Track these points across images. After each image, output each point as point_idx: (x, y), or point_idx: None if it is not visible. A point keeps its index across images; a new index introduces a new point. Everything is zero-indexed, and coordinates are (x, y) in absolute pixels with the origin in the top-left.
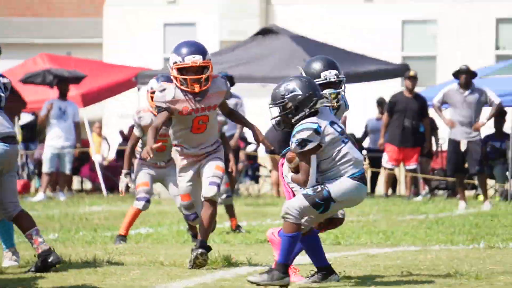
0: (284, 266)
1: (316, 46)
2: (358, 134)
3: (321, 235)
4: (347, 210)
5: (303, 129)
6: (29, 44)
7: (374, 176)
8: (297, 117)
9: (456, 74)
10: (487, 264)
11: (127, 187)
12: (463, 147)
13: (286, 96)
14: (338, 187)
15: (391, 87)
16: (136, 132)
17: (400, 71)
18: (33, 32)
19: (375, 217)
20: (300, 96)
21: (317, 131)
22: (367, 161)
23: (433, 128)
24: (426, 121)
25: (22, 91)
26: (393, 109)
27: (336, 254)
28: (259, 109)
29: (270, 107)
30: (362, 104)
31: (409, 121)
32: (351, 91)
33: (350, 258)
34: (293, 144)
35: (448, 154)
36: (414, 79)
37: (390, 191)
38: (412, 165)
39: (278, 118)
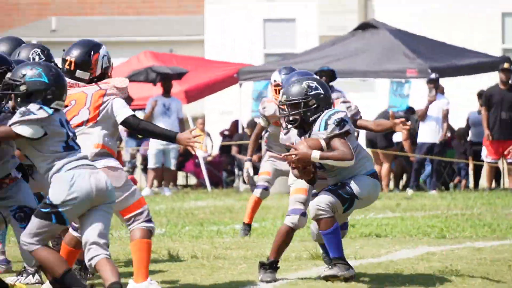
0: (342, 259)
1: (414, 40)
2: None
3: (425, 228)
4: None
5: (336, 112)
6: (132, 42)
7: (478, 170)
8: (315, 116)
9: None
10: None
11: (249, 177)
12: None
13: (309, 93)
14: (358, 184)
15: (492, 79)
16: (261, 122)
17: (501, 63)
18: (135, 30)
19: (479, 210)
20: (322, 95)
21: (347, 116)
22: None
23: None
24: None
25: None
26: (489, 102)
27: (442, 248)
28: (358, 103)
29: (289, 102)
30: (463, 97)
31: (506, 113)
32: (451, 84)
33: (456, 251)
34: (330, 126)
35: None
36: (508, 71)
37: (493, 184)
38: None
39: (295, 116)
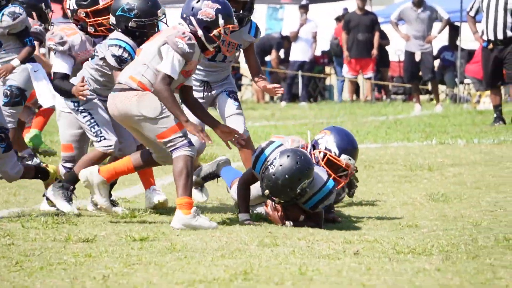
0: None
1: None
2: (318, 51)
3: (295, 134)
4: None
5: None
6: None
7: (340, 84)
8: None
9: None
10: (438, 157)
11: None
12: (417, 57)
13: None
14: None
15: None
16: None
17: None
18: None
19: (342, 119)
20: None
21: None
22: (332, 70)
23: (383, 38)
24: (376, 34)
25: None
26: (348, 26)
27: None
28: None
29: None
30: (329, 22)
31: (362, 35)
32: (318, 9)
33: None
34: None
35: (405, 64)
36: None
37: (354, 97)
38: (369, 74)
39: None
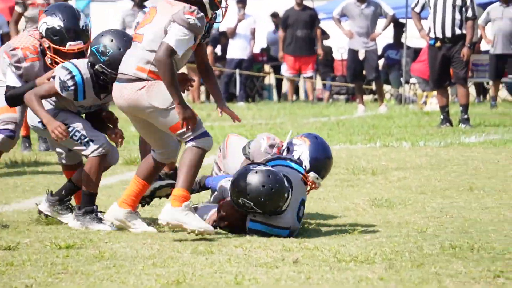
0: None
1: None
2: (257, 48)
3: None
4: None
5: None
6: None
7: (279, 83)
8: None
9: None
10: (382, 161)
11: None
12: (361, 56)
13: None
14: None
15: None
16: (18, 9)
17: None
18: None
19: (282, 120)
20: None
21: None
22: (271, 69)
23: (322, 34)
24: (316, 31)
25: None
26: (286, 22)
27: None
28: None
29: None
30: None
31: (301, 31)
32: (255, 5)
33: None
34: None
35: (348, 62)
36: None
37: (294, 97)
38: (309, 73)
39: None
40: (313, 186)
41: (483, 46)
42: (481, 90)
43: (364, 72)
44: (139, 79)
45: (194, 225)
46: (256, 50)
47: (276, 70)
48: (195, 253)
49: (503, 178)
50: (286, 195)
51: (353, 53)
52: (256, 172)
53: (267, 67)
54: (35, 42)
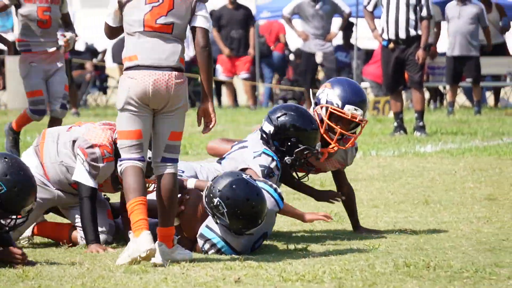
0: None
1: None
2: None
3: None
4: None
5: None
6: None
7: (219, 88)
8: None
9: None
10: (328, 173)
11: None
12: (318, 59)
13: None
14: None
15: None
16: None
17: None
18: None
19: (223, 127)
20: None
21: None
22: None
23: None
24: (251, 31)
25: None
26: (219, 22)
27: None
28: None
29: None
30: None
31: (235, 31)
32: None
33: None
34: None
35: (303, 65)
36: None
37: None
38: (245, 74)
39: None
40: (355, 119)
41: (440, 47)
42: (438, 95)
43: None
44: (182, 71)
45: (187, 259)
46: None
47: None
48: (128, 272)
49: (460, 191)
50: (259, 221)
51: (309, 56)
52: (247, 183)
53: None
54: (110, 139)
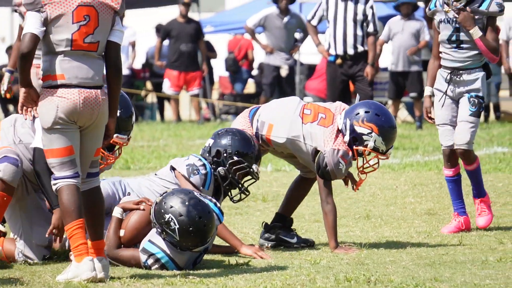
0: None
1: None
2: (139, 64)
3: None
4: None
5: None
6: None
7: (161, 102)
8: None
9: (276, 0)
10: (274, 186)
11: None
12: (283, 72)
13: None
14: None
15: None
16: None
17: None
18: None
19: (165, 142)
20: None
21: None
22: (150, 86)
23: (211, 51)
24: (201, 45)
25: None
26: (169, 35)
27: None
28: None
29: None
30: (145, 31)
31: (185, 45)
32: (137, 17)
33: None
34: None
35: (266, 79)
36: (187, 5)
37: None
38: (195, 90)
39: None
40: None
41: (382, 63)
42: None
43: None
44: (103, 87)
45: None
46: (138, 65)
47: (160, 87)
48: None
49: (401, 205)
50: (208, 239)
51: (273, 69)
52: (200, 201)
53: (149, 84)
54: None
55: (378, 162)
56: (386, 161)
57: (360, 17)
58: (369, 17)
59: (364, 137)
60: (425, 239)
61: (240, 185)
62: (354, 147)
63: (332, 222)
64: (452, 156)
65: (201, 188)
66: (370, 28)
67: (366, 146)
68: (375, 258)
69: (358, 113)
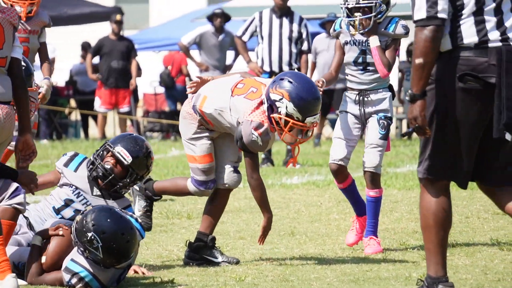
0: None
1: None
2: (62, 81)
3: None
4: None
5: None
6: None
7: (85, 120)
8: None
9: (211, 18)
10: (198, 204)
11: None
12: None
13: None
14: None
15: (102, 30)
16: None
17: (112, 14)
18: None
19: None
20: None
21: None
22: (74, 104)
23: (139, 69)
24: (133, 63)
25: None
26: (100, 52)
27: None
28: None
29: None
30: (68, 48)
31: (117, 62)
32: (58, 34)
33: None
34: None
35: None
36: (120, 23)
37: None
38: (125, 108)
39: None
40: (314, 126)
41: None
42: None
43: None
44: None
45: None
46: (61, 83)
47: (84, 104)
48: None
49: (326, 222)
50: (131, 255)
51: None
52: (121, 217)
53: (73, 102)
54: None
55: (306, 133)
56: (311, 178)
57: (295, 34)
58: (304, 35)
59: (277, 103)
60: (349, 255)
61: (106, 172)
62: (271, 116)
63: (261, 197)
64: (340, 172)
65: (64, 168)
66: (305, 46)
67: (280, 113)
68: (300, 275)
69: (275, 81)
